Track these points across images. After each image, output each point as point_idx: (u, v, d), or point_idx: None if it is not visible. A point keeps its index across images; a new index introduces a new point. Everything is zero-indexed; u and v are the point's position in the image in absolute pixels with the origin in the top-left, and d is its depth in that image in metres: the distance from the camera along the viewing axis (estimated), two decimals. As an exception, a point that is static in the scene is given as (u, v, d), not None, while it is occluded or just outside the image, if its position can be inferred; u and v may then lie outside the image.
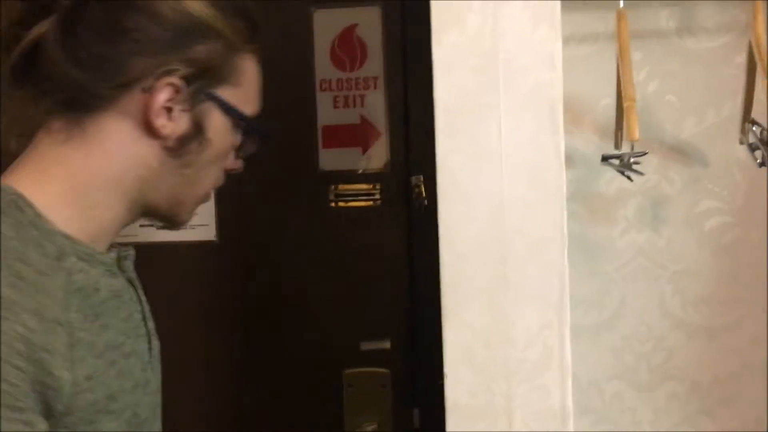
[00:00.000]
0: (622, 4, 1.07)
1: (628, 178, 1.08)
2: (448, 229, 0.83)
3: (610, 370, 1.23)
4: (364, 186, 1.35)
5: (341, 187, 1.37)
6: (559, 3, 0.83)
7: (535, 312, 0.83)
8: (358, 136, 1.37)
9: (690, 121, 1.20)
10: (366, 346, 1.35)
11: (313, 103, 1.38)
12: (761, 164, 1.04)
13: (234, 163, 0.89)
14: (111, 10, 0.79)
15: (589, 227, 1.22)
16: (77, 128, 0.79)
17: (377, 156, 1.35)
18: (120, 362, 0.81)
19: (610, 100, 1.17)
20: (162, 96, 0.79)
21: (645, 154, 1.03)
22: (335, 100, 1.38)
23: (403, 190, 1.34)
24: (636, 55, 1.17)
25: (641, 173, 1.06)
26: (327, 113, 1.38)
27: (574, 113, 1.19)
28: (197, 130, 0.81)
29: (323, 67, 1.37)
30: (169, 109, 0.79)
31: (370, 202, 1.34)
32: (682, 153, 1.21)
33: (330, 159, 1.38)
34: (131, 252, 0.86)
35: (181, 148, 0.81)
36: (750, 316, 1.20)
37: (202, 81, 0.81)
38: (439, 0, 0.83)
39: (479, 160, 0.83)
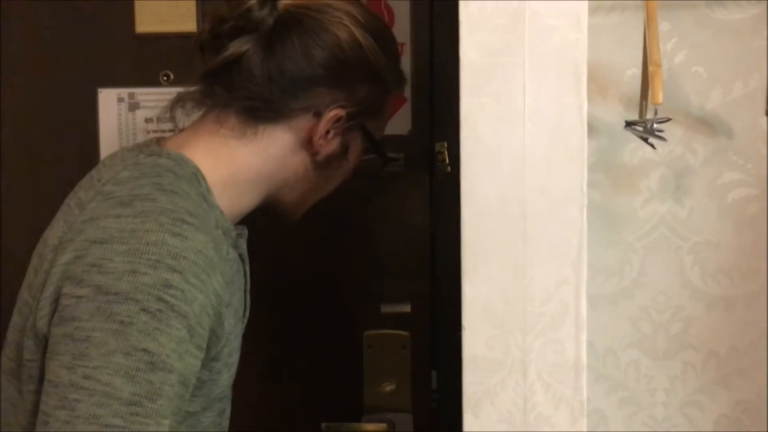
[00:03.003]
0: (650, -29, 1.07)
1: (651, 145, 1.08)
2: (470, 186, 0.85)
3: (627, 339, 1.24)
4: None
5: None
6: (586, -35, 0.84)
7: (553, 269, 0.84)
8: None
9: (716, 93, 1.20)
10: (387, 309, 1.37)
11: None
12: (786, 135, 1.03)
13: (350, 176, 1.04)
14: (304, 41, 0.91)
15: (612, 197, 1.22)
16: (250, 130, 0.92)
17: (401, 122, 1.36)
18: (237, 326, 0.93)
19: (636, 71, 1.17)
20: (328, 123, 0.93)
21: (668, 120, 1.04)
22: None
23: (426, 157, 1.36)
24: (664, 26, 1.17)
25: (664, 139, 1.06)
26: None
27: (599, 83, 1.19)
28: (343, 152, 0.97)
29: (351, 33, 1.38)
30: (327, 132, 0.93)
31: (394, 168, 1.35)
32: (707, 124, 1.20)
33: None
34: (246, 231, 0.98)
35: (326, 164, 0.96)
36: (769, 288, 1.20)
37: (360, 116, 0.95)
38: (467, -40, 0.84)
39: (502, 119, 0.84)
